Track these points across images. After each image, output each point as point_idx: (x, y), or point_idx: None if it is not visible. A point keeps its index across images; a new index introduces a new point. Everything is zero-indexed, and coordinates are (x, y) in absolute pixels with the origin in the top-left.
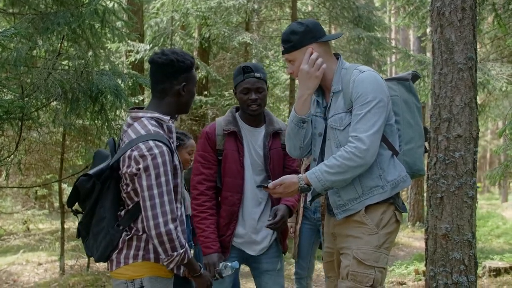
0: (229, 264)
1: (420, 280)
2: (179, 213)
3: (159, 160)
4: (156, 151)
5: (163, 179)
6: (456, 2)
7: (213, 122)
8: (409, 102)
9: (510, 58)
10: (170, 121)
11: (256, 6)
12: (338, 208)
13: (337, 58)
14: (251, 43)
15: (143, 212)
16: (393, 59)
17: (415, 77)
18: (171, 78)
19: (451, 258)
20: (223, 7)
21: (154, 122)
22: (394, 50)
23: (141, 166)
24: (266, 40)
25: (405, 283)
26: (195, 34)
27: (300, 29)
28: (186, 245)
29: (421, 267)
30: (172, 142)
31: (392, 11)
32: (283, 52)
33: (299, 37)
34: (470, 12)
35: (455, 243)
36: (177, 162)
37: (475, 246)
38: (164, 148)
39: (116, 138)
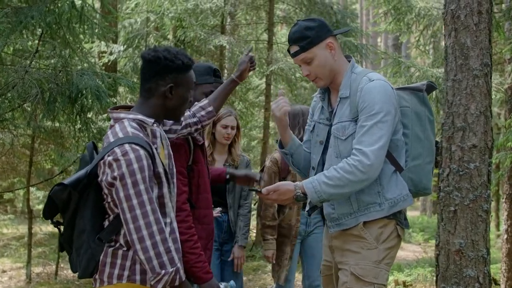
0: (227, 284)
1: None
2: (168, 229)
3: (135, 166)
4: (131, 155)
5: (141, 187)
6: (472, 5)
7: None
8: (421, 114)
9: (497, 66)
10: (155, 125)
11: (232, 9)
12: (331, 221)
13: (349, 61)
14: (227, 46)
15: (124, 226)
16: (364, 65)
17: (430, 87)
18: (157, 77)
19: (465, 276)
20: (199, 10)
21: (135, 125)
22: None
23: (116, 174)
24: (242, 43)
25: None
26: (170, 36)
27: (315, 23)
28: (179, 264)
29: (400, 277)
30: (156, 148)
31: (364, 18)
32: (297, 53)
33: (316, 31)
34: (486, 16)
35: (470, 259)
36: (160, 169)
37: (490, 263)
38: (142, 152)
39: (95, 142)
